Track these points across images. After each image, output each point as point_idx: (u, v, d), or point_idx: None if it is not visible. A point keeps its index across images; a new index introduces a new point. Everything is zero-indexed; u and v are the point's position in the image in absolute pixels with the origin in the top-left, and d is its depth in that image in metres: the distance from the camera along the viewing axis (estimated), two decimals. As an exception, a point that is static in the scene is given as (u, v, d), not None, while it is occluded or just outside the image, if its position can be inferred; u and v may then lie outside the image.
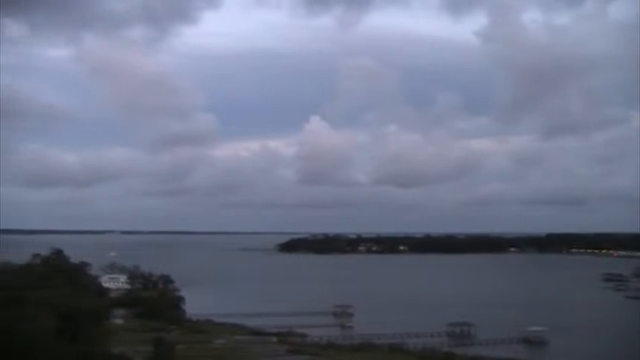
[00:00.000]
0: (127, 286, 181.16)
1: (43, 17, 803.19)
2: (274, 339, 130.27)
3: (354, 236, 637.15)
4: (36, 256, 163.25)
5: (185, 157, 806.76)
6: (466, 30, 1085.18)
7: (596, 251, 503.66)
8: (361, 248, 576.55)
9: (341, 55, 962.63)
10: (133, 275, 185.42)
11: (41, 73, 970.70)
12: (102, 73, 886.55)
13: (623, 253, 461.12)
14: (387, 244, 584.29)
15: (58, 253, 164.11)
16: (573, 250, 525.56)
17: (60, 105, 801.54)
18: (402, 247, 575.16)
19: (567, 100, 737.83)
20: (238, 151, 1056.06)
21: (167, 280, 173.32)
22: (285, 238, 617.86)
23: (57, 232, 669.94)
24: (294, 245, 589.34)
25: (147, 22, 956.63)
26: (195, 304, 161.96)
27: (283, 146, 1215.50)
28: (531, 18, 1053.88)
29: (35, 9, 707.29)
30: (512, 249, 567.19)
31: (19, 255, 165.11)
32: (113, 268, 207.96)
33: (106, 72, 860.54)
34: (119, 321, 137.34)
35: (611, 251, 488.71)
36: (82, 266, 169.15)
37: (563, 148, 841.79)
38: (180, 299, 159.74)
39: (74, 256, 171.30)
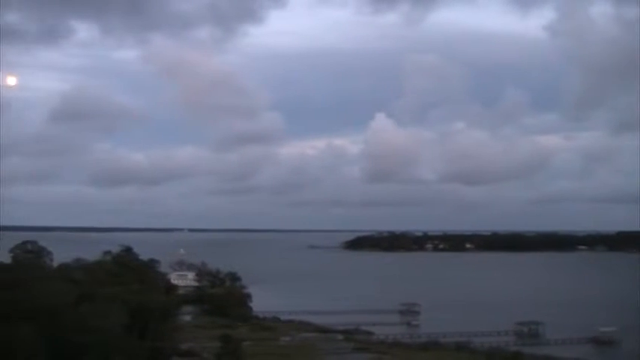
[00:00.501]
0: (195, 284, 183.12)
1: (114, 20, 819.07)
2: (340, 336, 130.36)
3: (420, 234, 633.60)
4: (106, 253, 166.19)
5: (252, 155, 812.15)
6: (534, 25, 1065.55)
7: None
8: (428, 246, 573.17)
9: (407, 52, 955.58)
10: (201, 272, 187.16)
11: (111, 75, 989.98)
12: (170, 74, 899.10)
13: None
14: (454, 242, 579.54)
15: (128, 250, 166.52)
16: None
17: (129, 105, 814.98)
18: (468, 245, 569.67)
19: (637, 96, 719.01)
20: (304, 149, 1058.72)
21: (234, 277, 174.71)
22: (351, 236, 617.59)
23: (126, 229, 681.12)
24: (360, 243, 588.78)
25: (214, 22, 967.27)
26: (262, 302, 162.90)
27: (349, 144, 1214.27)
28: (601, 11, 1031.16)
29: (106, 12, 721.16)
30: (582, 247, 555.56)
31: (90, 252, 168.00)
32: (181, 265, 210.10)
33: (174, 72, 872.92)
34: (187, 318, 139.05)
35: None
36: (151, 263, 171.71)
37: (633, 144, 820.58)
38: (247, 296, 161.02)
39: (143, 254, 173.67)
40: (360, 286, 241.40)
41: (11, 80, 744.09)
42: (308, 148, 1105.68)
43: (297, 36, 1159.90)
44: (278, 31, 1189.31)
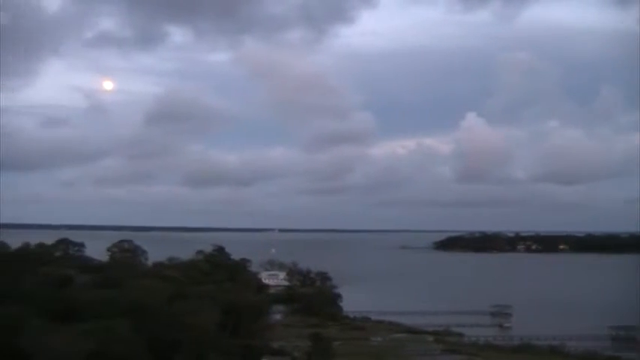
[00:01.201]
0: (286, 283, 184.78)
1: (207, 23, 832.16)
2: (430, 338, 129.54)
3: (512, 234, 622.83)
4: (199, 252, 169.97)
5: (342, 155, 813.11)
6: (629, 18, 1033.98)
7: None
8: (520, 247, 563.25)
9: (499, 50, 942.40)
10: (292, 272, 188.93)
11: (204, 77, 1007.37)
12: (261, 75, 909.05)
13: None
14: (547, 243, 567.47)
15: (220, 250, 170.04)
16: None
17: (221, 107, 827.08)
18: (562, 246, 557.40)
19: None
20: (395, 149, 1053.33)
21: (324, 277, 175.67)
22: (442, 236, 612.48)
23: (218, 229, 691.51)
24: (451, 243, 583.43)
25: (305, 23, 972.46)
26: (352, 302, 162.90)
27: (439, 144, 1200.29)
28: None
29: (199, 16, 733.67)
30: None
31: (184, 251, 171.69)
32: (272, 265, 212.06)
33: (266, 74, 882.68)
34: (278, 317, 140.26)
35: None
36: (243, 263, 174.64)
37: None
38: (338, 296, 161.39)
39: (235, 253, 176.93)
40: (451, 286, 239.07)
41: (108, 84, 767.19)
42: (398, 148, 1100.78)
43: (387, 36, 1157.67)
44: (368, 31, 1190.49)
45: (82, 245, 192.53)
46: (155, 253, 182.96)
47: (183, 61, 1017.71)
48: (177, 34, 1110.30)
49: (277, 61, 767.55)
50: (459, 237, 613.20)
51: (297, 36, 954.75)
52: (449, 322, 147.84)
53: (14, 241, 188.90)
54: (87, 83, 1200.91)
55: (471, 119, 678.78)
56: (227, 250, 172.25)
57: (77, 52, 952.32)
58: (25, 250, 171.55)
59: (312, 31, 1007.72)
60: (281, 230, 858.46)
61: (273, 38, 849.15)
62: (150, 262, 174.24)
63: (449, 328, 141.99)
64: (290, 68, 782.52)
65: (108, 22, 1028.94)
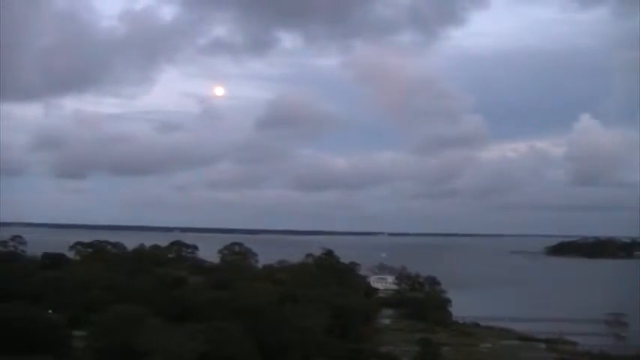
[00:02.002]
0: (395, 287, 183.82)
1: (317, 28, 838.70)
2: (542, 345, 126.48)
3: (628, 240, 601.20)
4: (308, 256, 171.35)
5: (452, 159, 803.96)
6: None
7: None
8: (636, 253, 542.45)
9: (615, 49, 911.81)
10: (401, 276, 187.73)
11: (313, 82, 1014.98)
12: (371, 79, 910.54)
13: None
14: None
15: (329, 253, 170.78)
16: None
17: (331, 111, 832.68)
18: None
19: None
20: (506, 152, 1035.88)
21: (433, 281, 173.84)
22: (554, 241, 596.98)
23: (327, 233, 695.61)
24: (563, 248, 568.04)
25: (415, 25, 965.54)
26: (462, 307, 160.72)
27: (552, 146, 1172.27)
28: None
29: (309, 21, 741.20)
30: None
31: (293, 254, 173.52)
32: (381, 268, 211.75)
33: (375, 78, 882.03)
34: (386, 321, 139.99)
35: None
36: (352, 267, 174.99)
37: None
38: (447, 301, 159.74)
39: (344, 257, 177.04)
40: (563, 293, 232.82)
41: (220, 90, 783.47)
42: (509, 151, 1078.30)
43: (498, 36, 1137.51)
44: (479, 33, 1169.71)
45: (194, 247, 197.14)
46: (265, 256, 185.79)
47: (293, 66, 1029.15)
48: (288, 40, 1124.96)
49: (387, 65, 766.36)
50: (572, 242, 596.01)
51: (407, 39, 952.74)
52: (561, 329, 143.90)
53: (130, 242, 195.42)
54: (200, 89, 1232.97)
55: (585, 121, 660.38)
56: (336, 253, 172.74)
57: (191, 59, 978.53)
58: (140, 252, 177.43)
59: (422, 33, 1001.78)
60: (390, 234, 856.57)
61: (383, 41, 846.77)
62: (260, 264, 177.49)
63: (562, 335, 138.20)
64: (400, 71, 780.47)
65: (220, 29, 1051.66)
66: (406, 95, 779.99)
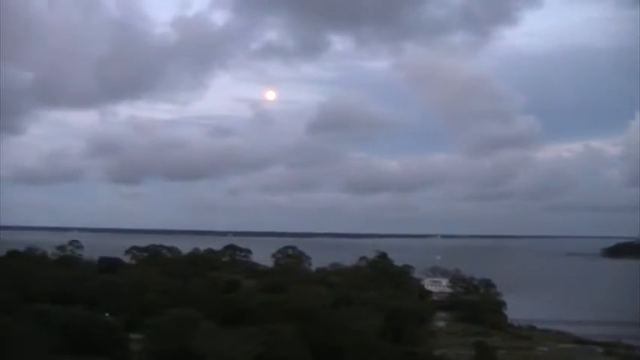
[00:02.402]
0: (449, 290, 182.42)
1: (368, 31, 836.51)
2: (600, 349, 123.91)
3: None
4: (362, 259, 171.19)
5: (506, 160, 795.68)
6: None
7: None
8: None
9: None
10: (455, 279, 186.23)
11: (365, 85, 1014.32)
12: (422, 81, 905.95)
13: None
14: None
15: (383, 256, 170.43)
16: None
17: (383, 114, 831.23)
18: None
19: None
20: (560, 152, 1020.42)
21: (488, 284, 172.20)
22: (610, 242, 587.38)
23: (380, 236, 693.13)
24: (620, 250, 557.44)
25: (467, 26, 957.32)
26: (517, 310, 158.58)
27: (607, 146, 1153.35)
28: None
29: (360, 24, 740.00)
30: None
31: (347, 257, 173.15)
32: (435, 271, 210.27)
33: (427, 79, 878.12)
34: (441, 324, 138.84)
35: None
36: (405, 269, 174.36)
37: None
38: (502, 304, 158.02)
39: (397, 260, 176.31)
40: (620, 295, 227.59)
41: (271, 94, 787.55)
42: (564, 151, 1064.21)
43: (552, 35, 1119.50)
44: (533, 32, 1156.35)
45: (248, 251, 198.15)
46: (318, 259, 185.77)
47: (345, 69, 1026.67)
48: (339, 43, 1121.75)
49: (439, 66, 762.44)
50: (629, 243, 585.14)
51: (459, 39, 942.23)
52: (619, 333, 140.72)
53: (185, 246, 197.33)
54: (252, 94, 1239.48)
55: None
56: (389, 256, 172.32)
57: (243, 64, 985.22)
58: (194, 256, 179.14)
59: (474, 33, 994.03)
60: (443, 236, 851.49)
61: (435, 42, 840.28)
62: (313, 268, 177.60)
63: (619, 339, 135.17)
64: (452, 72, 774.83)
65: (272, 34, 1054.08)
66: (458, 96, 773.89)
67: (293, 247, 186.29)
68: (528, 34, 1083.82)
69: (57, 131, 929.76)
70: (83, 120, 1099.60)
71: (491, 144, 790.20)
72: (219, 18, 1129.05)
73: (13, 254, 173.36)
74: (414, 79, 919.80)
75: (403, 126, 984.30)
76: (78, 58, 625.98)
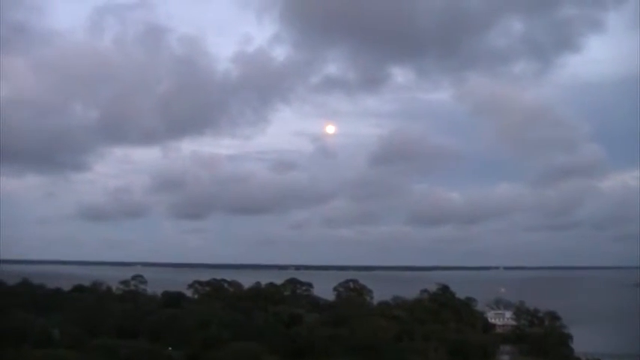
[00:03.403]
0: (513, 323, 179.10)
1: (428, 63, 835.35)
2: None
3: None
4: (424, 292, 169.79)
5: (570, 189, 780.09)
6: None
7: None
8: None
9: None
10: (519, 311, 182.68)
11: (426, 116, 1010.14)
12: (485, 111, 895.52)
13: None
14: None
15: (445, 289, 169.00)
16: None
17: (444, 145, 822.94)
18: None
19: None
20: (627, 180, 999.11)
21: (554, 316, 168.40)
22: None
23: (442, 268, 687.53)
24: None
25: (529, 54, 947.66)
26: (585, 343, 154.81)
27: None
28: None
29: (421, 55, 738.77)
30: None
31: (408, 290, 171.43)
32: (498, 303, 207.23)
33: (489, 109, 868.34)
34: (505, 357, 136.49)
35: None
36: (468, 302, 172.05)
37: None
38: (568, 337, 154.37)
39: (460, 292, 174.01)
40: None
41: (332, 128, 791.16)
42: (630, 179, 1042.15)
43: (616, 62, 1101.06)
44: (596, 59, 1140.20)
45: (309, 285, 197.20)
46: (380, 292, 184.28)
47: (406, 101, 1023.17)
48: (400, 75, 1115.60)
49: (501, 96, 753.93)
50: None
51: (522, 68, 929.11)
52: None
53: (247, 280, 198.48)
54: (313, 127, 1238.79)
55: None
56: (452, 288, 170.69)
57: (304, 98, 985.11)
58: (256, 290, 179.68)
59: (537, 61, 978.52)
60: (506, 268, 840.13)
61: (497, 72, 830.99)
62: (375, 301, 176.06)
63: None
64: (515, 102, 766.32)
65: (332, 67, 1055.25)
66: (522, 125, 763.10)
67: (354, 281, 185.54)
68: (592, 60, 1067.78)
69: (122, 168, 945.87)
70: (147, 156, 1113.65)
71: (556, 173, 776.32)
72: (280, 53, 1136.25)
73: (78, 289, 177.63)
74: (476, 109, 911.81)
75: (465, 157, 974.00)
76: (142, 95, 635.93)
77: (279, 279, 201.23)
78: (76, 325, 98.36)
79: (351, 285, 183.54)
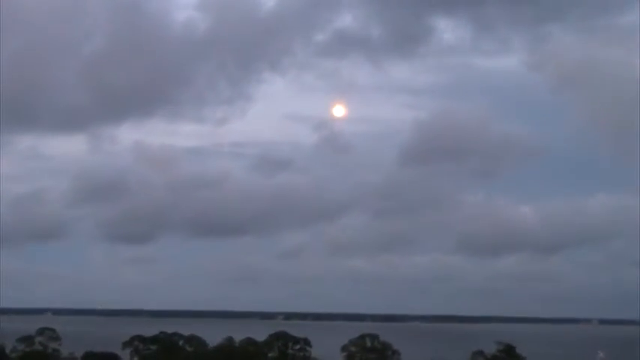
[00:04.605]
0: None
1: (490, 12, 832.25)
2: None
3: None
4: (477, 354, 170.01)
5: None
6: None
7: None
8: None
9: None
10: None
11: (485, 92, 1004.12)
12: (574, 84, 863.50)
13: None
14: None
15: (509, 350, 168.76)
16: None
17: (511, 135, 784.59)
18: None
19: None
20: None
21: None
22: None
23: (506, 319, 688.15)
24: None
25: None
26: None
27: None
28: None
29: (479, 2, 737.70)
30: None
31: (456, 351, 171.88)
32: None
33: (581, 82, 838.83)
34: None
35: None
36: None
37: None
38: None
39: (532, 356, 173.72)
40: None
41: (343, 109, 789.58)
42: None
43: None
44: None
45: (306, 342, 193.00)
46: (412, 354, 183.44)
47: (456, 70, 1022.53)
48: (446, 31, 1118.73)
49: (601, 62, 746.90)
50: None
51: (632, 21, 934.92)
52: None
53: (213, 334, 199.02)
54: (316, 108, 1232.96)
55: None
56: (520, 350, 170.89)
57: (303, 64, 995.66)
58: (228, 349, 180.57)
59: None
60: (602, 321, 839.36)
61: (594, 26, 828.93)
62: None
63: None
64: (621, 71, 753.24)
65: (347, 18, 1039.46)
66: (631, 107, 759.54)
67: (374, 336, 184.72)
68: None
69: (28, 166, 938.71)
70: (67, 150, 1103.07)
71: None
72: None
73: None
74: (562, 81, 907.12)
75: (544, 153, 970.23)
76: (61, 58, 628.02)
77: (261, 333, 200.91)
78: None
79: (369, 342, 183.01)
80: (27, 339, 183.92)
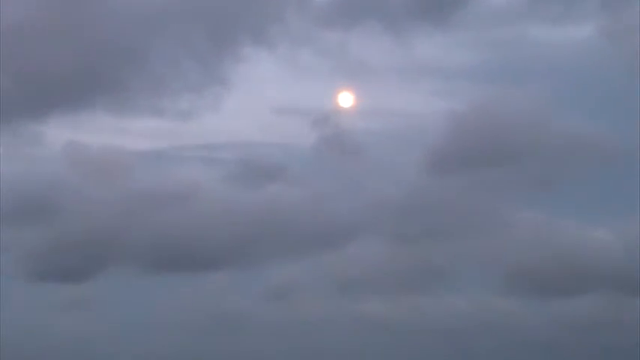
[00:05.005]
0: None
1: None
2: None
3: None
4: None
5: None
6: None
7: None
8: None
9: None
10: None
11: (548, 73, 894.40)
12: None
13: None
14: None
15: None
16: None
17: (580, 131, 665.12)
18: None
19: None
20: None
21: None
22: None
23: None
24: None
25: None
26: None
27: None
28: None
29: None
30: None
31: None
32: None
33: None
34: None
35: None
36: None
37: None
38: None
39: None
40: None
41: (349, 99, 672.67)
42: None
43: None
44: None
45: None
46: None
47: (505, 44, 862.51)
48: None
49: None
50: None
51: None
52: None
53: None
54: (316, 97, 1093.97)
55: None
56: None
57: (299, 36, 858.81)
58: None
59: None
60: None
61: None
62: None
63: None
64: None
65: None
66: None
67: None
68: None
69: None
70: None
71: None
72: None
73: None
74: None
75: (624, 156, 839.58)
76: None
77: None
78: None
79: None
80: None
